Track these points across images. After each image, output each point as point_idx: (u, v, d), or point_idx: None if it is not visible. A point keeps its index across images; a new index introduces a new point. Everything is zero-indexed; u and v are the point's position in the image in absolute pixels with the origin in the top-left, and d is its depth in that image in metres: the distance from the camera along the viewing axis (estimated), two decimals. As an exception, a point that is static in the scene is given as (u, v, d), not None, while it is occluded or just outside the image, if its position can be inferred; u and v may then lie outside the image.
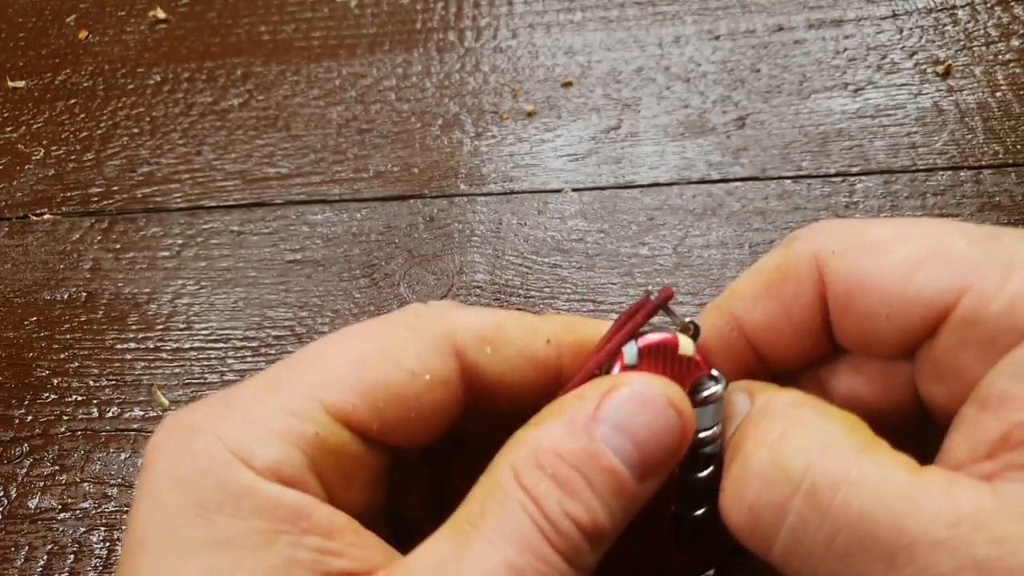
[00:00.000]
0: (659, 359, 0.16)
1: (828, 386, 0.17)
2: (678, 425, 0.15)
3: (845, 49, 0.40)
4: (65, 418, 0.33)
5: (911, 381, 0.16)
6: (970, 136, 0.37)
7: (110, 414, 0.33)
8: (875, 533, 0.12)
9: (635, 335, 0.16)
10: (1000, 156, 0.36)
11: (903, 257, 0.15)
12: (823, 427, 0.14)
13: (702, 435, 0.16)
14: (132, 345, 0.35)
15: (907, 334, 0.15)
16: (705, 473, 0.16)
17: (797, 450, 0.14)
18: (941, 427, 0.15)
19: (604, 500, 0.14)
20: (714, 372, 0.16)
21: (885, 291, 0.15)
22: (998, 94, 0.38)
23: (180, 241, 0.38)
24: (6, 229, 0.39)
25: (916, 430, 0.16)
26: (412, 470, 0.18)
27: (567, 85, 0.41)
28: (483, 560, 0.13)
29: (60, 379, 0.34)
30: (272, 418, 0.14)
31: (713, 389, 0.16)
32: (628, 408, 0.14)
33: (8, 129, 0.42)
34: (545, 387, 0.17)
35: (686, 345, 0.16)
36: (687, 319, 0.17)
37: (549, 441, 0.14)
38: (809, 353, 0.17)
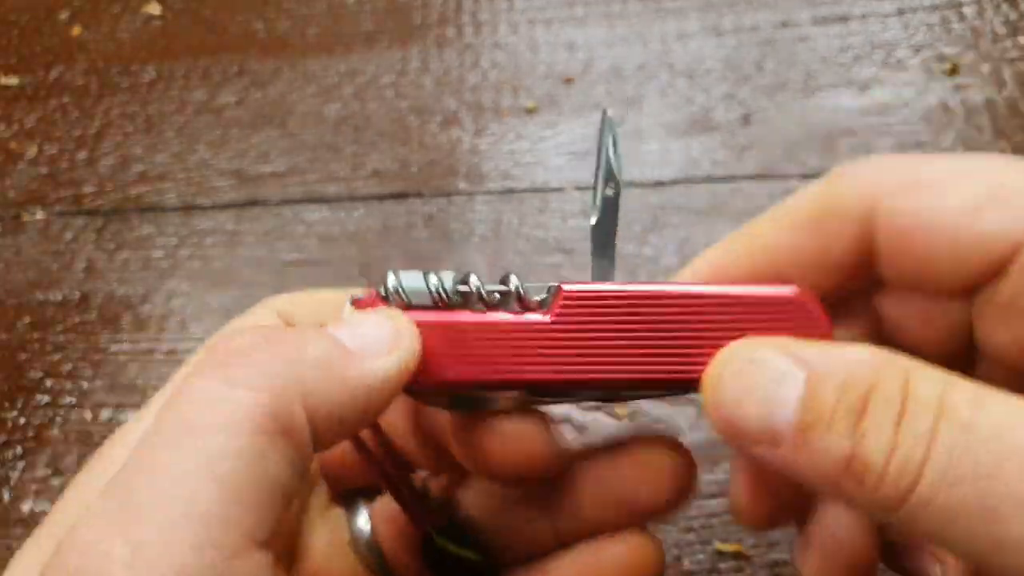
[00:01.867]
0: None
1: (876, 316, 0.17)
2: (392, 327, 0.16)
3: (851, 46, 0.40)
4: (59, 420, 0.33)
5: (960, 321, 0.16)
6: (977, 134, 0.36)
7: (104, 417, 0.32)
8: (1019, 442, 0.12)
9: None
10: (1007, 153, 0.35)
11: (964, 198, 0.14)
12: (929, 367, 0.13)
13: None
14: (126, 347, 0.34)
15: (968, 277, 0.15)
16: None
17: (926, 380, 0.13)
18: (991, 369, 0.15)
19: (316, 359, 0.15)
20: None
21: (946, 233, 0.15)
22: (1005, 91, 0.37)
23: (174, 241, 0.37)
24: (-2, 228, 0.38)
25: (961, 370, 0.15)
26: None
27: (568, 81, 0.40)
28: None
29: (53, 381, 0.33)
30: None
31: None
32: (356, 317, 0.16)
33: (0, 127, 0.42)
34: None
35: None
36: None
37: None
38: (843, 287, 0.17)
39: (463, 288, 0.16)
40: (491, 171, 0.38)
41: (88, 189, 0.39)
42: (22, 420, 0.33)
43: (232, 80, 0.42)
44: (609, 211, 0.17)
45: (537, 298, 0.17)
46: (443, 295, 0.16)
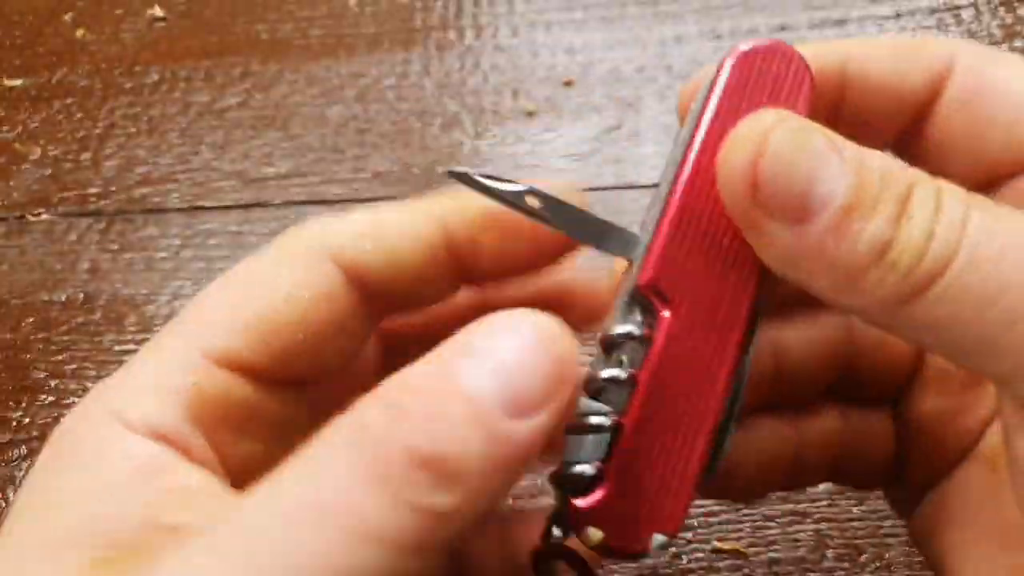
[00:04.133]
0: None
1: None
2: (555, 356, 0.12)
3: (848, 48, 0.40)
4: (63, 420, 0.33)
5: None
6: (973, 136, 0.36)
7: (108, 416, 0.33)
8: None
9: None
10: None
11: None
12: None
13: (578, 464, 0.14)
14: (131, 347, 0.34)
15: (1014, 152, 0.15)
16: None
17: (952, 187, 0.13)
18: None
19: (454, 426, 0.11)
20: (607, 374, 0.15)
21: (1012, 99, 0.15)
22: (1001, 94, 0.38)
23: (178, 242, 0.37)
24: (2, 230, 0.39)
25: None
26: None
27: (568, 84, 0.40)
28: (279, 499, 0.11)
29: (58, 381, 0.34)
30: (148, 375, 0.14)
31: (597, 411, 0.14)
32: (498, 342, 0.12)
33: (4, 128, 0.42)
34: (451, 276, 0.16)
35: None
36: None
37: (403, 376, 0.12)
38: (892, 122, 0.17)
39: None
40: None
41: (92, 190, 0.39)
42: (26, 420, 0.33)
43: (235, 83, 0.42)
44: (553, 212, 0.16)
45: None
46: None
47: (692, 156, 0.15)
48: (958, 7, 0.41)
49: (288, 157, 0.39)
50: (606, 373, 0.15)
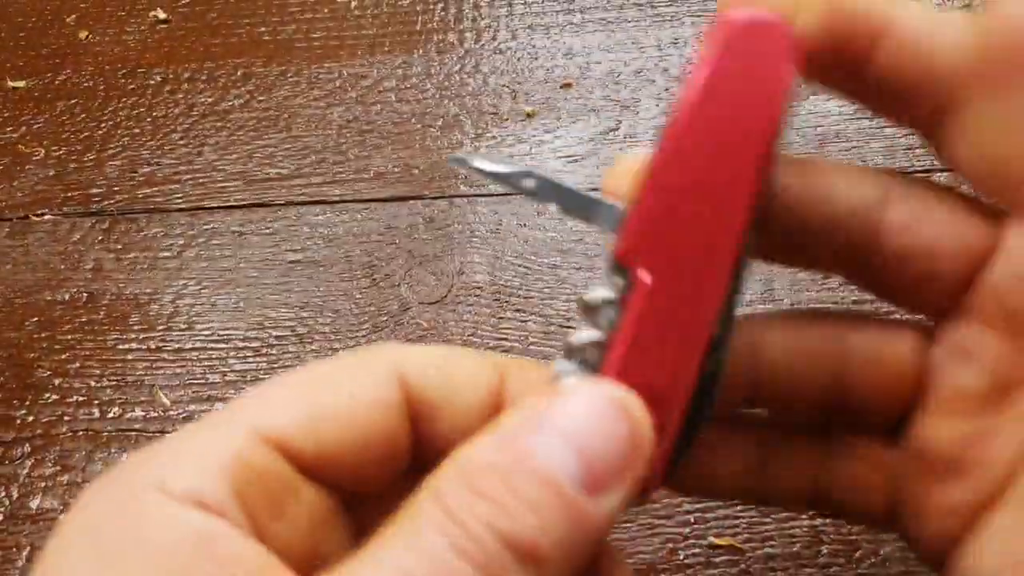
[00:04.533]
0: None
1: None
2: (628, 432, 0.13)
3: (843, 51, 0.40)
4: (67, 419, 0.33)
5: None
6: (967, 138, 0.37)
7: (111, 415, 0.33)
8: None
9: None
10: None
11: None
12: None
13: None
14: (134, 345, 0.35)
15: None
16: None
17: None
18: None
19: (536, 511, 0.12)
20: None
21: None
22: (995, 96, 0.38)
23: (181, 241, 0.38)
24: (7, 230, 0.39)
25: None
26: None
27: (566, 86, 0.41)
28: (378, 569, 0.11)
29: (61, 380, 0.34)
30: (195, 447, 0.14)
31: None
32: (569, 414, 0.13)
33: (8, 129, 0.42)
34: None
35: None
36: None
37: (476, 454, 0.13)
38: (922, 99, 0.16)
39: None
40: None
41: (96, 190, 0.40)
42: (30, 418, 0.33)
43: (237, 84, 0.43)
44: (548, 192, 0.17)
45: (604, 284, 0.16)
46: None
47: (669, 130, 0.15)
48: (954, 8, 0.41)
49: (290, 158, 0.40)
50: (581, 335, 0.15)
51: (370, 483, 0.15)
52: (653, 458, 0.14)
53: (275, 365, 0.34)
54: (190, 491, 0.13)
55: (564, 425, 0.12)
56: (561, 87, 0.41)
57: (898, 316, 0.19)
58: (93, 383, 0.34)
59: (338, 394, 0.14)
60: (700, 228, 0.15)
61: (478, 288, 0.35)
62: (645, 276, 0.15)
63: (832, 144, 0.37)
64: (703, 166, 0.15)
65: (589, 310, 0.16)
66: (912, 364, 0.17)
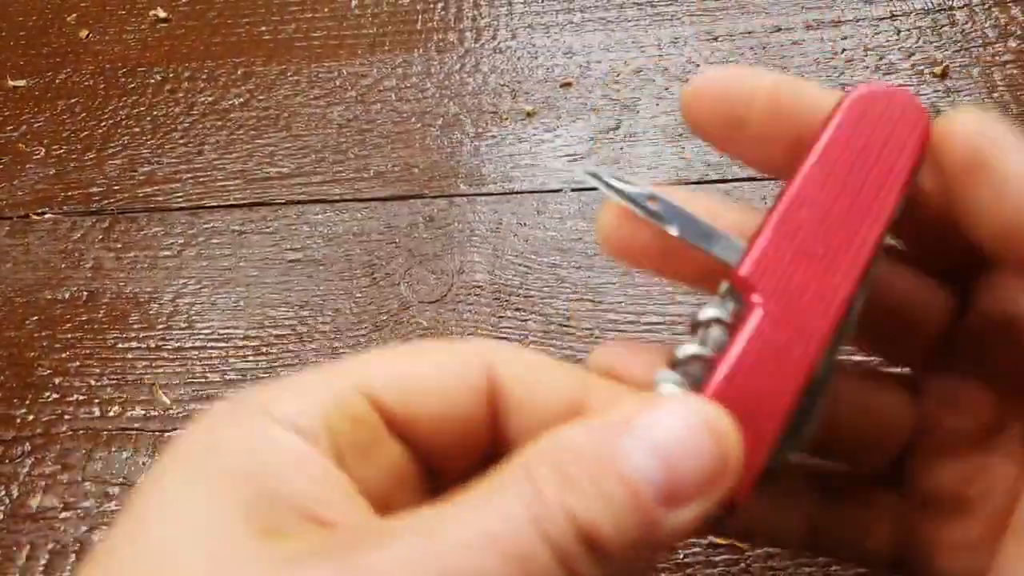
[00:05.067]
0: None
1: None
2: (716, 453, 0.13)
3: (843, 50, 0.40)
4: (67, 417, 0.33)
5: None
6: (967, 137, 0.37)
7: (111, 413, 0.33)
8: None
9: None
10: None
11: None
12: None
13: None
14: (133, 344, 0.35)
15: None
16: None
17: None
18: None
19: (612, 509, 0.12)
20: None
21: None
22: (995, 95, 0.38)
23: (181, 240, 0.38)
24: (7, 228, 0.39)
25: None
26: None
27: (566, 86, 0.41)
28: (461, 523, 0.12)
29: (61, 378, 0.34)
30: (302, 386, 0.15)
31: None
32: (663, 424, 0.13)
33: (9, 128, 0.42)
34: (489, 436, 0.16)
35: None
36: None
37: (568, 440, 0.13)
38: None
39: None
40: (491, 173, 0.38)
41: (96, 189, 0.40)
42: (30, 417, 0.33)
43: (238, 83, 0.43)
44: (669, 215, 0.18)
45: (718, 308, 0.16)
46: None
47: (800, 178, 0.16)
48: (952, 8, 0.41)
49: (291, 157, 0.40)
50: (687, 349, 0.16)
51: (448, 455, 0.16)
52: (736, 483, 0.14)
53: (275, 364, 0.34)
54: (290, 417, 0.14)
55: (655, 434, 0.13)
56: (561, 86, 0.41)
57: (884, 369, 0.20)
58: (93, 382, 0.34)
59: (431, 367, 0.16)
60: (819, 269, 0.16)
61: (478, 287, 0.35)
62: (759, 305, 0.16)
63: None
64: (830, 212, 0.16)
65: (698, 327, 0.16)
66: (901, 414, 0.18)
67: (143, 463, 0.32)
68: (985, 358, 0.17)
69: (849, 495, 0.19)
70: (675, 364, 0.16)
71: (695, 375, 0.16)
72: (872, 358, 0.20)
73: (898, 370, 0.19)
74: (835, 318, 0.16)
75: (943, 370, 0.18)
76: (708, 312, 0.16)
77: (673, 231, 0.17)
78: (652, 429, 0.13)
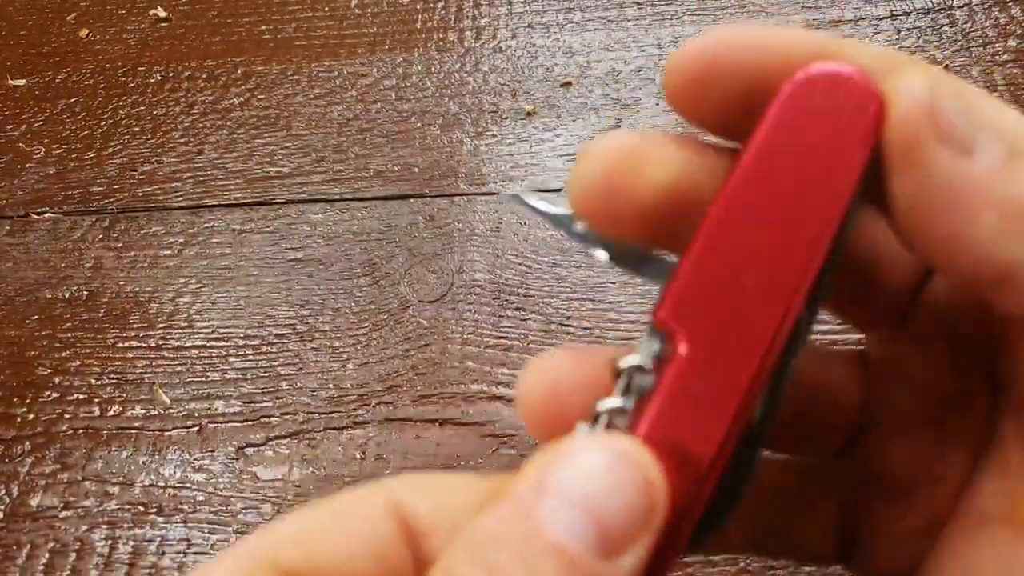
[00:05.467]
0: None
1: None
2: (639, 485, 0.12)
3: (843, 50, 0.40)
4: (67, 416, 0.33)
5: None
6: (967, 137, 0.37)
7: (111, 412, 0.33)
8: None
9: None
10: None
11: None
12: None
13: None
14: (133, 343, 0.35)
15: None
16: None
17: None
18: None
19: None
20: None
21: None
22: (995, 94, 0.38)
23: (181, 240, 0.38)
24: (7, 228, 0.39)
25: None
26: None
27: (566, 85, 0.41)
28: None
29: (62, 377, 0.34)
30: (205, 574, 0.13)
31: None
32: (577, 469, 0.12)
33: (9, 128, 0.42)
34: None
35: None
36: None
37: (487, 526, 0.12)
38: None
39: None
40: (491, 172, 0.38)
41: (96, 189, 0.40)
42: (31, 416, 0.33)
43: (238, 82, 0.43)
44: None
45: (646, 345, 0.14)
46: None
47: (724, 193, 0.14)
48: (952, 8, 0.41)
49: (291, 156, 0.40)
50: (604, 402, 0.14)
51: None
52: (678, 522, 0.13)
53: (275, 363, 0.34)
54: None
55: (573, 485, 0.12)
56: (561, 86, 0.41)
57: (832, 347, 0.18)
58: (93, 381, 0.34)
59: (334, 524, 0.14)
60: (749, 303, 0.13)
61: (478, 286, 0.35)
62: (683, 345, 0.14)
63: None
64: (759, 234, 0.13)
65: (619, 375, 0.14)
66: (849, 391, 0.17)
67: (143, 462, 0.32)
68: (947, 328, 0.15)
69: (794, 491, 0.17)
70: (596, 418, 0.14)
71: (619, 429, 0.14)
72: (818, 336, 0.18)
73: (846, 348, 0.18)
74: (773, 351, 0.13)
75: (900, 342, 0.16)
76: (627, 361, 0.14)
77: (601, 256, 0.15)
78: (567, 480, 0.12)
